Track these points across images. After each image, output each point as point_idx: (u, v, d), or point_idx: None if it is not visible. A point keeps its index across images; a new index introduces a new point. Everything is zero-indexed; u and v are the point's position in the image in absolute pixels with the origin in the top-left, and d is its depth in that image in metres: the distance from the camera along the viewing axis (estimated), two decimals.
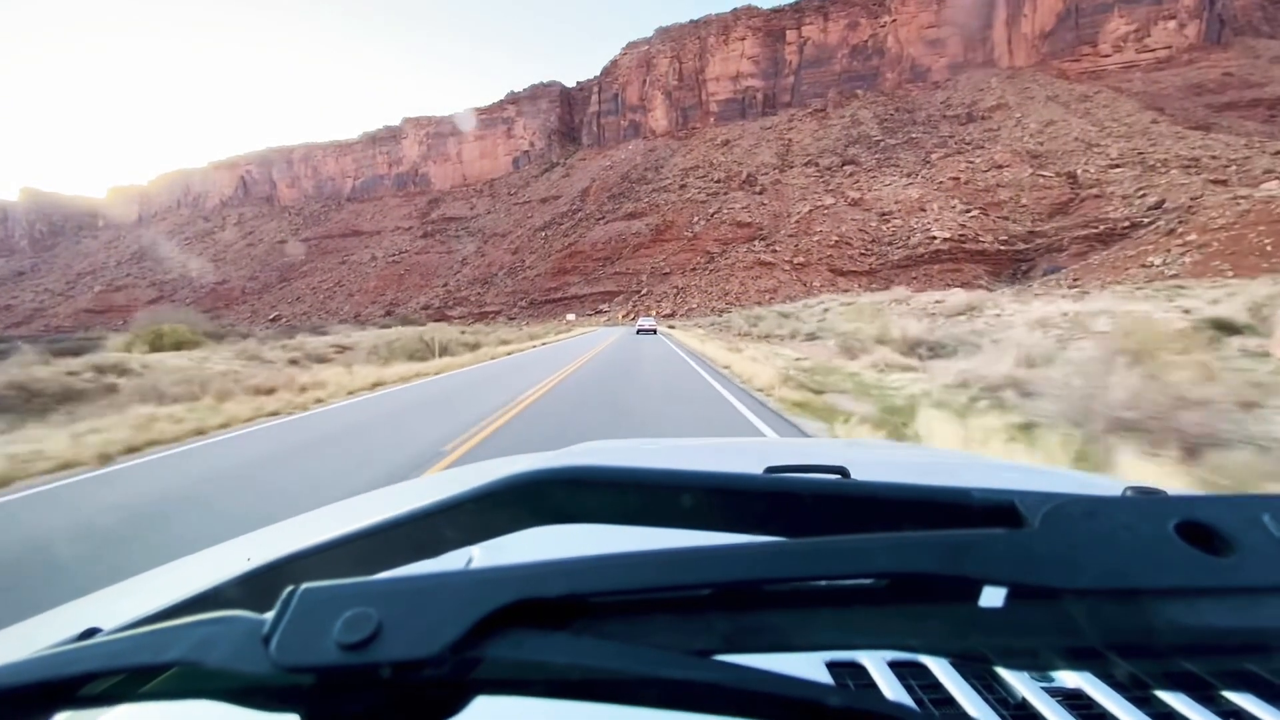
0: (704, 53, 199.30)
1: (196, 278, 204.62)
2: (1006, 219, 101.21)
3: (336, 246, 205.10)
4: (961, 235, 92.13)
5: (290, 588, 0.29)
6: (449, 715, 0.28)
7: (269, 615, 0.28)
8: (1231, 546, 0.27)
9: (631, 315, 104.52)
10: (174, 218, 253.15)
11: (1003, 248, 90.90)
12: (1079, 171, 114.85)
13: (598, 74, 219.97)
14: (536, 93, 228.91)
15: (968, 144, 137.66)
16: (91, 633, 0.38)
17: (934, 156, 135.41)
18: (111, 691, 0.28)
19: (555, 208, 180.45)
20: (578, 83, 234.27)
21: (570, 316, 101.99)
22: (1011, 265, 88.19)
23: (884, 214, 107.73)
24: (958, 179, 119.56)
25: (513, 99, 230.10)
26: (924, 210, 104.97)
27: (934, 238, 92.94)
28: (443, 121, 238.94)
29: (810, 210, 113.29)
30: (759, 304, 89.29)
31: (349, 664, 0.26)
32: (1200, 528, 0.28)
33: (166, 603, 0.40)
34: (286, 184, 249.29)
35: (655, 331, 42.37)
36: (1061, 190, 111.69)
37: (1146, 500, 0.30)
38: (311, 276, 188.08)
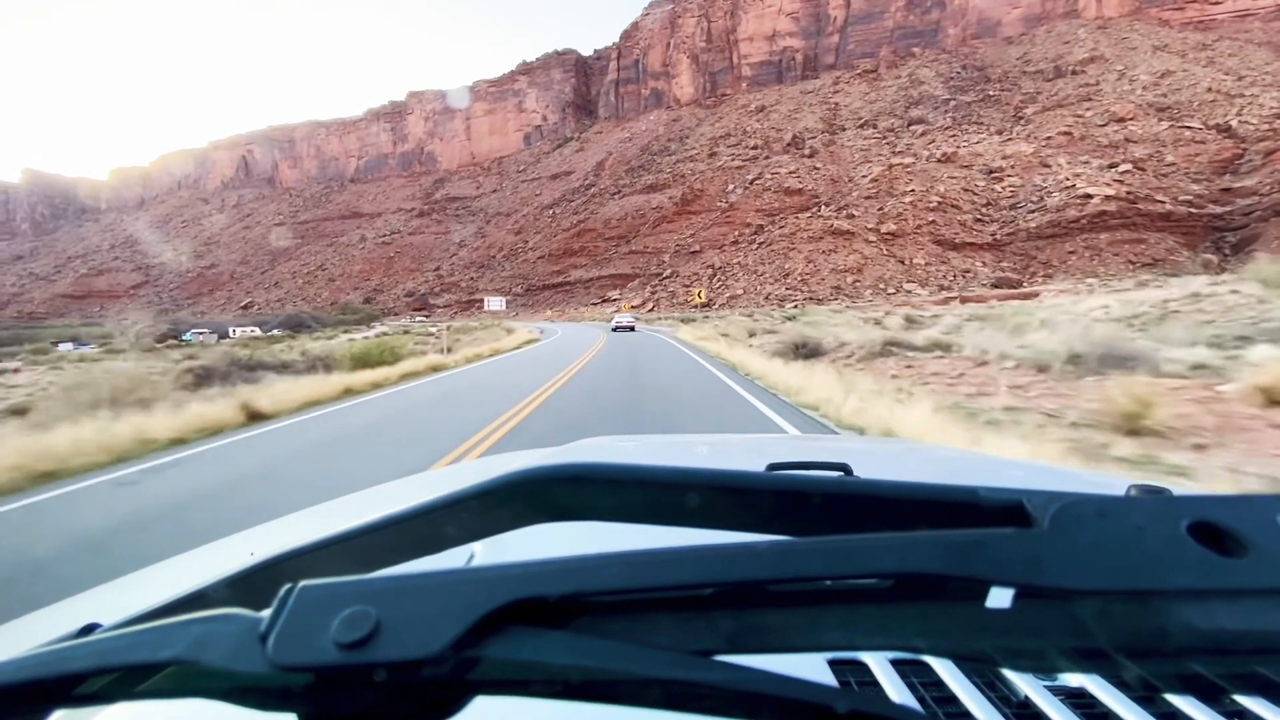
0: (736, 10, 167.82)
1: (183, 262, 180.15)
2: (1166, 175, 70.51)
3: (335, 230, 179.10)
4: (1129, 195, 61.23)
5: (288, 585, 0.28)
6: (448, 715, 0.27)
7: (266, 613, 0.27)
8: (1245, 548, 0.26)
9: (650, 306, 75.43)
10: (173, 200, 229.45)
11: (1194, 211, 59.94)
12: (1233, 123, 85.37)
13: (617, 40, 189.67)
14: (549, 62, 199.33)
15: (1066, 99, 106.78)
16: (91, 628, 0.36)
17: (1028, 111, 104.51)
18: (108, 689, 0.27)
19: (566, 184, 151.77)
20: (595, 51, 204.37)
21: (495, 304, 55.78)
22: (1210, 233, 57.64)
23: (992, 172, 77.04)
24: (1069, 134, 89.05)
25: (524, 69, 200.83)
26: (1047, 166, 74.31)
27: (1088, 198, 62.10)
28: (449, 96, 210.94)
29: (889, 168, 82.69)
30: (838, 287, 60.74)
31: (347, 663, 0.24)
32: (1213, 528, 0.27)
33: (166, 598, 0.38)
34: (288, 165, 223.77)
35: (634, 329, 36.03)
36: (1219, 144, 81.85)
37: (1157, 500, 0.29)
38: (297, 260, 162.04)
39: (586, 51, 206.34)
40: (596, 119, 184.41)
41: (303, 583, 0.28)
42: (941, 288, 56.38)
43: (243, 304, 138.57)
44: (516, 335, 30.04)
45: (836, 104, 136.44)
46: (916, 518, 0.32)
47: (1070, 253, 58.44)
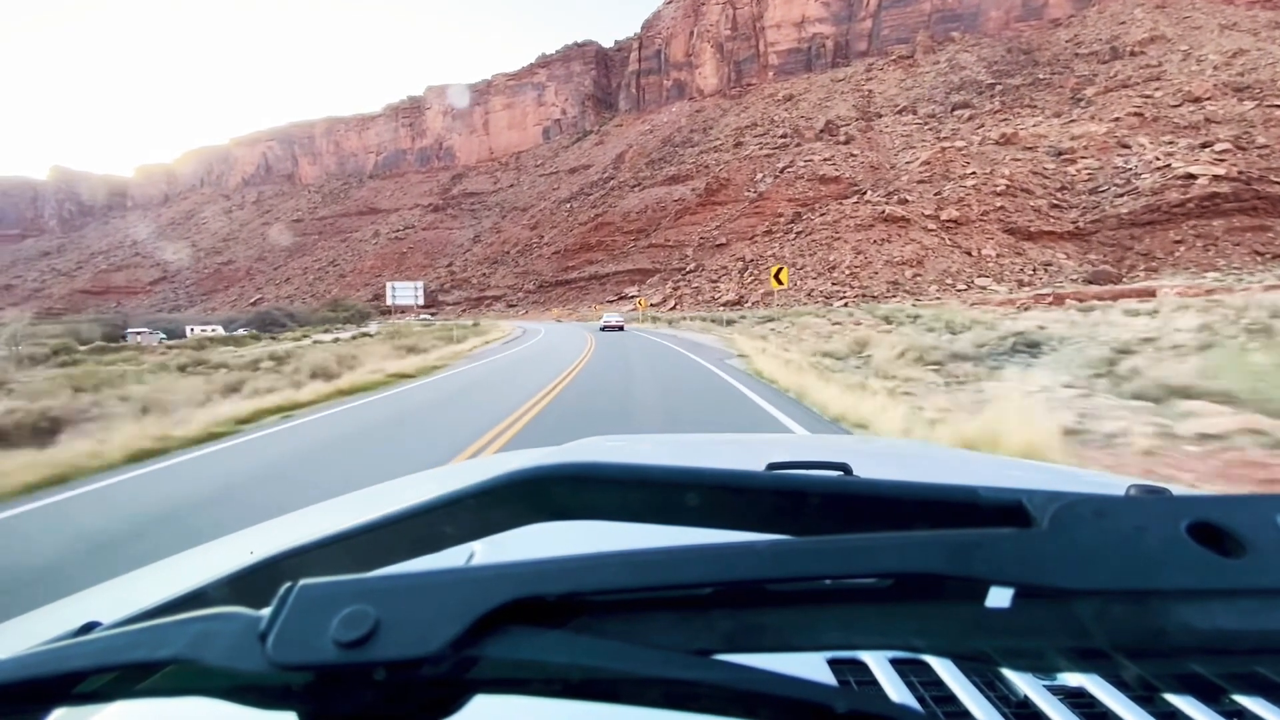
0: None
1: (199, 258, 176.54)
2: (1264, 157, 60.64)
3: (351, 226, 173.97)
4: (1242, 175, 51.32)
5: (287, 584, 0.27)
6: (447, 714, 0.26)
7: (266, 612, 0.26)
8: (1244, 548, 0.25)
9: (673, 303, 67.13)
10: (196, 196, 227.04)
11: None
12: None
13: (638, 30, 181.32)
14: (569, 55, 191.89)
15: (1130, 79, 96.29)
16: (90, 627, 0.36)
17: (1088, 93, 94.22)
18: (107, 688, 0.27)
19: (584, 178, 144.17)
20: (615, 42, 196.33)
21: (404, 296, 27.27)
22: None
23: (1061, 154, 67.32)
24: (1140, 114, 78.90)
25: (543, 62, 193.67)
26: (1127, 147, 64.45)
27: (1190, 179, 52.23)
28: (468, 91, 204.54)
29: (941, 151, 73.20)
30: (895, 282, 51.90)
31: (346, 662, 0.24)
32: (1212, 529, 0.26)
33: (166, 596, 0.38)
34: (308, 161, 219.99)
35: (623, 328, 33.61)
36: None
37: (1157, 500, 0.28)
38: (310, 256, 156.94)
39: (607, 43, 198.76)
40: (617, 112, 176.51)
41: (302, 581, 0.27)
42: (1020, 283, 47.47)
43: (252, 300, 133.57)
44: (450, 349, 19.96)
45: (870, 91, 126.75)
46: (916, 517, 0.32)
47: (1177, 242, 49.01)
